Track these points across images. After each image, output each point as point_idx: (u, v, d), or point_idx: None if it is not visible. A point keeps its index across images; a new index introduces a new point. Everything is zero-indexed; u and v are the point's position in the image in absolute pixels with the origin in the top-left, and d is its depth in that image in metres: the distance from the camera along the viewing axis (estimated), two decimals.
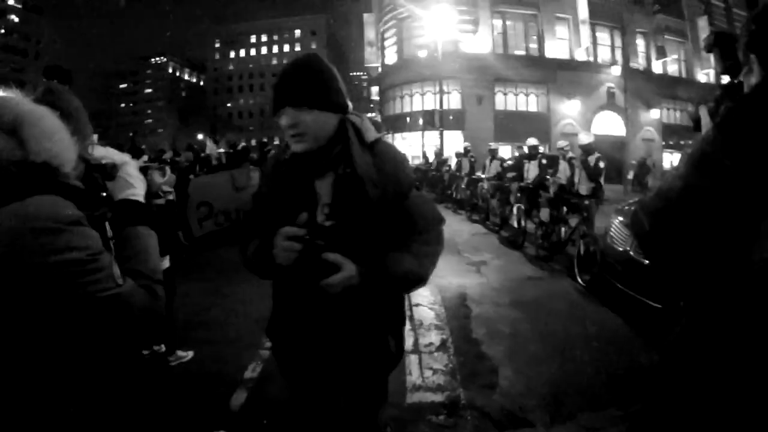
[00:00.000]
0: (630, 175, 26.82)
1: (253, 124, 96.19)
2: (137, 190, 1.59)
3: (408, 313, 5.92)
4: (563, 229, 8.75)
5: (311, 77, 1.73)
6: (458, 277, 7.52)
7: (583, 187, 8.31)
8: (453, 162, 17.49)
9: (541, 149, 11.31)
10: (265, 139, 20.96)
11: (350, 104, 1.85)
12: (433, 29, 27.22)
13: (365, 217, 1.72)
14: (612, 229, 6.89)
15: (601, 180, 8.10)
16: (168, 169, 7.91)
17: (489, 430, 3.65)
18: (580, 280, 7.36)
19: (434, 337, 5.23)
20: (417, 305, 6.24)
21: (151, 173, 1.84)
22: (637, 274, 6.06)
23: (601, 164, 8.03)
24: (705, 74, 37.08)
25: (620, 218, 6.96)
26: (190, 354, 4.71)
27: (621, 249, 6.39)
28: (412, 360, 4.72)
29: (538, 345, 5.11)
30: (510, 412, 3.85)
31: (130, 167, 1.62)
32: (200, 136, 55.40)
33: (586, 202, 7.87)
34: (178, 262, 5.50)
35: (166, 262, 4.55)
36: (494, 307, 6.20)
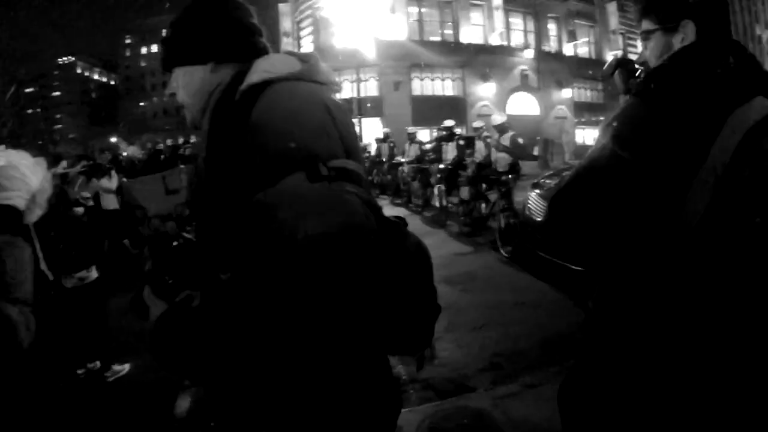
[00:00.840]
0: (535, 151, 28.02)
1: (170, 123, 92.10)
2: (10, 193, 1.42)
3: None
4: (483, 206, 9.09)
5: (178, 25, 1.29)
6: None
7: (500, 164, 8.64)
8: (373, 148, 17.63)
9: (458, 131, 11.65)
10: (181, 140, 20.18)
11: (266, 47, 1.33)
12: (350, 17, 27.13)
13: (210, 216, 1.14)
14: (530, 202, 7.24)
15: (535, 151, 8.46)
16: (114, 172, 7.57)
17: (433, 399, 3.75)
18: (503, 251, 7.71)
19: None
20: None
21: (93, 180, 1.72)
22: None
23: (520, 140, 8.38)
24: (613, 55, 38.46)
25: (537, 191, 7.33)
26: (127, 367, 4.55)
27: (539, 219, 6.74)
28: None
29: (473, 315, 5.32)
30: (452, 380, 3.99)
31: (8, 169, 1.45)
32: (114, 139, 52.73)
33: (503, 178, 8.19)
34: (121, 271, 5.31)
35: (93, 273, 4.41)
36: None
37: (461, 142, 10.66)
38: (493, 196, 8.60)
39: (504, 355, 4.39)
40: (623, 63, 2.99)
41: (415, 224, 10.50)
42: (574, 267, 6.22)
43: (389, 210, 12.31)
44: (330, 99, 1.12)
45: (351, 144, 1.09)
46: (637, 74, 1.84)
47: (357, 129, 25.23)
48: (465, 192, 9.73)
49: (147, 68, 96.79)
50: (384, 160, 15.31)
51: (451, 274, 6.80)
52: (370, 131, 25.67)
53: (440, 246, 8.49)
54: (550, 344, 4.53)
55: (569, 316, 5.03)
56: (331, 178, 0.93)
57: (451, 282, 6.47)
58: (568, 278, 6.12)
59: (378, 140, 16.99)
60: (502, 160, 8.62)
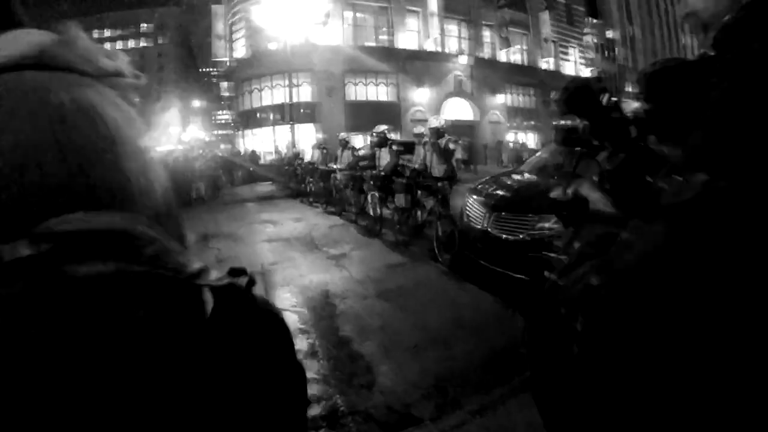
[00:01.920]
0: (458, 155, 28.47)
1: None
2: None
3: None
4: (419, 213, 8.68)
5: None
6: (319, 274, 7.09)
7: (436, 170, 8.28)
8: (309, 155, 16.95)
9: (393, 136, 11.24)
10: None
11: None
12: (283, 21, 26.49)
13: None
14: (468, 208, 6.92)
15: (453, 161, 8.12)
16: None
17: None
18: (441, 261, 7.33)
19: (301, 343, 4.78)
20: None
21: None
22: (498, 250, 6.11)
23: (451, 146, 8.04)
24: (545, 62, 41.42)
25: (474, 197, 7.00)
26: None
27: (479, 227, 6.42)
28: None
29: (412, 334, 4.91)
30: (394, 409, 3.60)
31: None
32: None
33: (440, 184, 7.82)
34: None
35: None
36: (360, 301, 5.89)
37: (395, 148, 10.27)
38: (429, 203, 8.21)
39: (447, 377, 4.01)
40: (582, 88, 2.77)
41: (350, 234, 10.00)
42: (515, 275, 5.97)
43: (322, 219, 11.78)
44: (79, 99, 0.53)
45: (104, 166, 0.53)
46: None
47: (290, 135, 24.95)
48: (400, 199, 9.31)
49: None
50: (317, 167, 14.71)
51: (386, 288, 6.33)
52: (305, 138, 25.10)
53: (375, 257, 8.04)
54: (494, 361, 4.23)
55: (511, 329, 4.82)
56: None
57: (387, 297, 6.01)
58: (510, 287, 5.90)
59: (312, 147, 16.44)
60: (438, 165, 8.26)
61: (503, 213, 6.18)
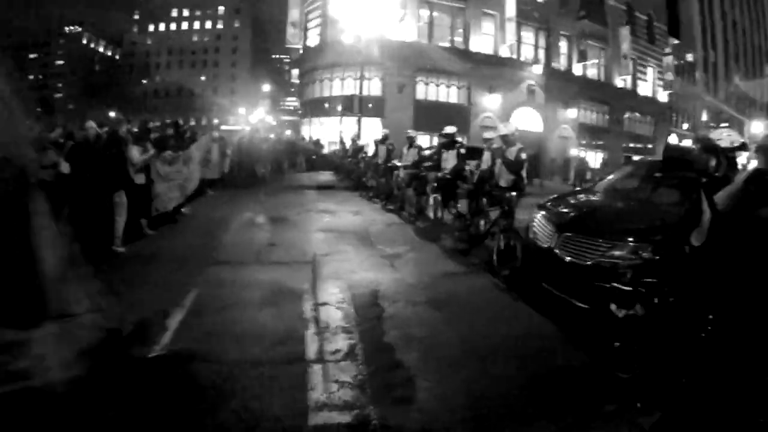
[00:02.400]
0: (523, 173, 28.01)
1: (169, 103, 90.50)
2: None
3: (312, 314, 5.25)
4: (482, 222, 8.33)
5: None
6: (370, 272, 6.86)
7: (504, 179, 7.92)
8: (372, 149, 16.80)
9: (459, 139, 10.90)
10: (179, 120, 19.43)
11: None
12: (359, 13, 26.51)
13: None
14: (535, 224, 6.55)
15: (523, 172, 7.73)
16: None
17: None
18: (499, 275, 6.97)
19: (341, 343, 4.57)
20: (324, 304, 5.54)
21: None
22: (563, 273, 5.74)
23: (523, 155, 7.66)
24: (622, 80, 39.74)
25: (543, 213, 6.63)
26: None
27: (545, 245, 6.05)
28: (315, 371, 4.05)
29: (459, 349, 4.61)
30: (429, 430, 3.33)
31: None
32: (112, 114, 52.00)
33: (507, 194, 7.46)
34: None
35: None
36: (409, 307, 5.61)
37: (462, 151, 9.96)
38: (493, 213, 7.85)
39: (489, 401, 3.72)
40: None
41: (407, 235, 9.72)
42: (576, 303, 5.56)
43: (380, 216, 11.57)
44: None
45: None
46: None
47: (356, 128, 24.85)
48: (463, 205, 8.99)
49: (152, 47, 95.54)
50: (380, 162, 14.50)
51: (438, 295, 6.02)
52: (370, 132, 24.96)
53: (431, 263, 7.72)
54: (542, 391, 3.93)
55: (565, 359, 4.52)
56: None
57: (436, 305, 5.70)
58: (568, 313, 5.51)
59: (376, 141, 16.26)
60: (506, 174, 7.90)
61: (573, 234, 5.77)
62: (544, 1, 34.54)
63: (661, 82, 43.82)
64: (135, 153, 8.24)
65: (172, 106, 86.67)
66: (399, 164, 12.95)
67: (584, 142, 37.07)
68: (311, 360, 4.24)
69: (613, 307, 4.51)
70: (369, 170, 15.64)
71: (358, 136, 22.66)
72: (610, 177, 8.19)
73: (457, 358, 4.39)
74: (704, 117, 53.62)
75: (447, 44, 31.55)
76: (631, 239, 5.37)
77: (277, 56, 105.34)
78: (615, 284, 4.74)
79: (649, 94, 43.23)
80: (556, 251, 5.79)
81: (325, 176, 21.83)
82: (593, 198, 7.11)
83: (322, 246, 8.22)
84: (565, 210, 6.51)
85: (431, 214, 9.82)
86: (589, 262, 5.46)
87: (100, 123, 9.21)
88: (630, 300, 4.50)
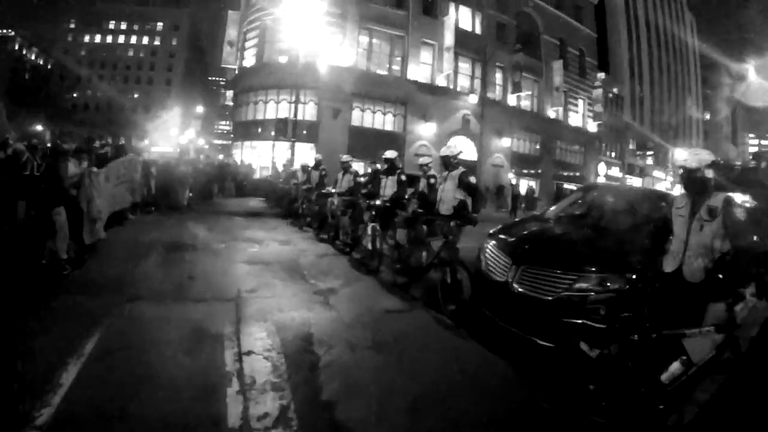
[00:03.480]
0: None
1: (99, 119, 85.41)
2: None
3: (235, 366, 4.37)
4: (423, 254, 7.65)
5: None
6: (302, 311, 6.01)
7: (444, 207, 7.34)
8: (301, 174, 15.86)
9: (400, 165, 10.28)
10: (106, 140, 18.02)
11: None
12: (298, 36, 25.83)
13: None
14: (487, 255, 5.95)
15: (476, 199, 7.19)
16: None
17: None
18: (444, 311, 6.30)
19: (270, 404, 3.73)
20: (249, 353, 4.64)
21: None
22: (521, 309, 5.15)
23: (472, 179, 7.13)
24: (554, 111, 41.56)
25: (494, 243, 6.07)
26: None
27: (500, 279, 5.45)
28: None
29: (409, 394, 3.98)
30: None
31: None
32: (39, 127, 48.87)
33: (451, 223, 6.84)
34: None
35: None
36: (349, 351, 4.84)
37: (403, 177, 9.34)
38: (436, 243, 7.20)
39: None
40: None
41: (342, 267, 8.94)
42: (542, 342, 4.99)
43: (312, 246, 10.76)
44: None
45: None
46: None
47: (289, 153, 24.01)
48: (402, 235, 8.34)
49: (85, 58, 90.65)
50: (312, 188, 13.68)
51: (382, 337, 5.28)
52: (303, 157, 24.24)
53: (369, 298, 6.98)
54: None
55: (532, 403, 4.15)
56: None
57: (381, 348, 4.98)
58: (527, 353, 4.96)
59: (304, 167, 15.50)
60: (447, 201, 7.32)
61: (532, 267, 5.20)
62: (482, 33, 35.79)
63: (590, 113, 46.37)
64: (71, 167, 7.68)
65: (102, 120, 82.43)
66: (333, 191, 12.21)
67: (517, 170, 37.80)
68: (234, 429, 3.40)
69: (584, 346, 4.01)
70: (301, 197, 14.75)
71: (291, 161, 21.84)
72: (560, 204, 7.78)
73: (411, 413, 3.74)
74: (631, 146, 56.33)
75: (385, 71, 31.53)
76: (597, 270, 4.91)
77: (213, 78, 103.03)
78: (586, 321, 4.23)
79: (579, 125, 45.37)
80: (514, 285, 5.21)
81: (255, 202, 20.80)
82: (547, 227, 6.63)
83: (248, 280, 7.28)
84: (520, 240, 5.97)
85: (369, 245, 9.03)
86: (551, 297, 4.94)
87: (24, 135, 8.41)
88: (604, 338, 4.03)
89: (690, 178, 4.06)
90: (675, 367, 3.58)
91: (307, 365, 4.45)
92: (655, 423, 3.55)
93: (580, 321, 4.37)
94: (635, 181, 55.00)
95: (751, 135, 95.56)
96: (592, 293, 4.80)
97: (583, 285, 4.86)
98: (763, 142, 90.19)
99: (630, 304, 4.84)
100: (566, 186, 42.87)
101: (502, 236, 6.20)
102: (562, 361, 4.47)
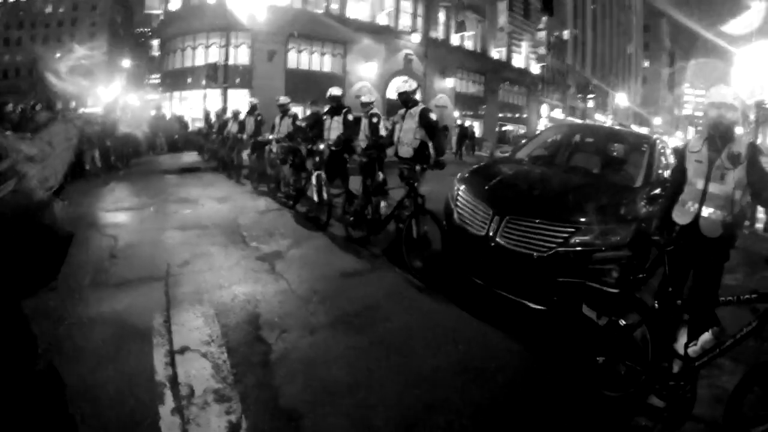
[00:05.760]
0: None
1: (22, 84, 78.84)
2: None
3: (167, 371, 3.39)
4: (383, 203, 6.76)
5: None
6: (246, 284, 5.03)
7: (404, 149, 6.45)
8: (232, 123, 14.41)
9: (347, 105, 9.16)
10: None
11: None
12: None
13: None
14: (460, 205, 5.09)
15: (442, 140, 6.39)
16: None
17: None
18: (411, 269, 5.51)
19: (215, 421, 2.84)
20: (183, 350, 3.65)
21: None
22: (507, 267, 4.39)
23: (432, 116, 6.30)
24: (498, 52, 40.99)
25: (465, 189, 5.22)
26: None
27: (479, 233, 4.62)
28: None
29: (400, 389, 3.24)
30: None
31: None
32: None
33: (417, 167, 5.96)
34: None
35: None
36: (308, 335, 3.95)
37: (350, 117, 8.32)
38: (398, 192, 6.31)
39: None
40: None
41: (287, 223, 7.96)
42: (533, 306, 4.30)
43: (251, 201, 9.70)
44: None
45: None
46: None
47: (222, 100, 22.24)
48: (355, 183, 7.40)
49: (0, 19, 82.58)
50: (246, 136, 12.43)
51: (346, 311, 4.44)
52: (238, 104, 22.70)
53: (322, 260, 6.08)
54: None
55: (534, 376, 3.59)
56: None
57: (348, 327, 4.15)
58: (513, 315, 4.37)
59: (235, 113, 14.22)
60: (406, 143, 6.42)
61: (518, 218, 4.39)
62: None
63: (534, 56, 46.12)
64: None
65: (27, 86, 76.38)
66: (271, 137, 11.05)
67: (461, 111, 37.25)
68: None
69: (587, 310, 3.38)
70: (236, 146, 13.46)
71: (224, 109, 20.20)
72: (530, 144, 6.99)
73: (403, 407, 3.05)
74: (572, 89, 56.88)
75: (322, 10, 29.54)
76: (598, 219, 4.20)
77: (140, 30, 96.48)
78: (592, 284, 3.52)
79: (523, 66, 45.08)
80: (498, 240, 4.39)
81: (190, 157, 19.21)
82: (527, 169, 5.81)
83: (180, 251, 6.16)
84: (500, 186, 5.11)
85: (315, 196, 8.00)
86: (544, 253, 4.16)
87: None
88: (614, 304, 3.36)
89: (721, 118, 3.51)
90: (705, 339, 3.02)
91: (258, 360, 3.53)
92: (679, 401, 3.00)
93: (582, 282, 3.64)
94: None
95: (687, 84, 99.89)
96: (597, 248, 4.09)
97: (584, 238, 4.14)
98: (698, 92, 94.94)
99: (646, 263, 4.22)
100: (509, 127, 42.94)
101: (475, 181, 5.33)
102: (561, 327, 3.84)
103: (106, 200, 9.69)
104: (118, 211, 8.68)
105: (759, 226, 11.32)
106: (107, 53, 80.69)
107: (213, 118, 20.22)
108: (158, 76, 38.35)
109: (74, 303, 4.38)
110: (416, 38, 33.22)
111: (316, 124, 9.02)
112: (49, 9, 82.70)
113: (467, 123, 35.08)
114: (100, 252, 6.11)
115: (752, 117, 18.82)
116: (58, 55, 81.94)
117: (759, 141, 15.73)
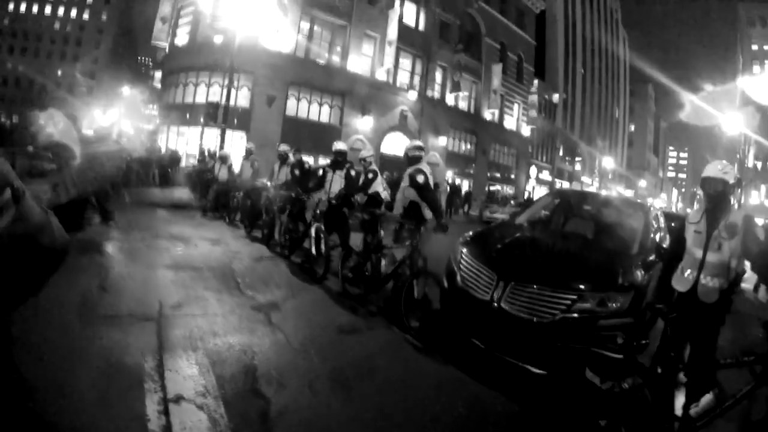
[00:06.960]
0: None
1: (17, 95, 78.92)
2: None
3: (161, 421, 3.22)
4: (383, 261, 6.71)
5: None
6: (241, 334, 4.89)
7: (398, 207, 6.54)
8: (218, 168, 14.24)
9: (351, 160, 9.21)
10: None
11: None
12: (236, 16, 23.96)
13: None
14: (464, 267, 5.09)
15: (438, 201, 6.39)
16: None
17: None
18: (409, 328, 5.46)
19: None
20: (177, 400, 3.49)
21: None
22: (511, 332, 4.40)
23: (419, 178, 6.32)
24: (491, 113, 42.08)
25: (468, 251, 5.24)
26: None
27: (482, 297, 4.61)
28: None
29: None
30: None
31: None
32: None
33: (422, 227, 6.00)
34: None
35: None
36: (307, 391, 3.84)
37: (353, 173, 8.38)
38: (399, 251, 6.29)
39: None
40: None
41: (282, 273, 7.87)
42: (536, 370, 4.29)
43: (246, 247, 9.61)
44: None
45: None
46: None
47: (219, 140, 22.25)
48: (355, 239, 7.41)
49: (6, 27, 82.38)
50: (245, 180, 12.38)
51: (345, 368, 4.35)
52: (233, 146, 22.73)
53: (319, 314, 5.99)
54: None
55: None
56: None
57: (349, 386, 4.05)
58: (512, 379, 4.34)
59: (222, 157, 14.24)
60: (399, 201, 6.52)
61: (523, 284, 4.42)
62: (425, 30, 35.29)
63: (525, 118, 47.52)
64: None
65: (21, 97, 76.31)
66: (269, 184, 11.06)
67: (452, 169, 37.72)
68: None
69: (590, 375, 3.49)
70: (231, 189, 13.34)
71: (221, 148, 20.24)
72: (529, 210, 7.10)
73: None
74: (561, 152, 58.20)
75: (324, 61, 30.23)
76: (600, 287, 4.24)
77: (143, 58, 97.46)
78: (596, 350, 3.58)
79: (514, 128, 46.42)
80: (502, 305, 4.39)
81: (182, 193, 19.13)
82: (530, 236, 5.86)
83: (172, 291, 6.05)
84: (504, 251, 5.15)
85: (313, 249, 7.92)
86: (549, 319, 4.19)
87: None
88: (617, 369, 3.46)
89: (716, 192, 3.85)
90: (706, 400, 3.21)
91: (256, 416, 3.41)
92: None
93: (586, 348, 3.69)
94: (566, 185, 56.75)
95: (671, 147, 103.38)
96: (599, 315, 4.18)
97: (586, 305, 4.20)
98: (682, 155, 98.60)
99: (648, 329, 4.40)
100: (497, 187, 43.50)
101: (479, 245, 5.36)
102: (563, 392, 3.94)
103: (97, 231, 9.49)
104: (108, 241, 8.56)
105: (745, 285, 11.32)
106: (110, 77, 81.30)
107: (207, 156, 20.34)
108: (157, 107, 38.48)
109: (57, 335, 4.21)
110: (413, 95, 33.99)
111: (318, 175, 9.01)
112: (56, 25, 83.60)
113: (458, 181, 35.54)
114: (89, 282, 5.94)
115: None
116: (59, 72, 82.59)
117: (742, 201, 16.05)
